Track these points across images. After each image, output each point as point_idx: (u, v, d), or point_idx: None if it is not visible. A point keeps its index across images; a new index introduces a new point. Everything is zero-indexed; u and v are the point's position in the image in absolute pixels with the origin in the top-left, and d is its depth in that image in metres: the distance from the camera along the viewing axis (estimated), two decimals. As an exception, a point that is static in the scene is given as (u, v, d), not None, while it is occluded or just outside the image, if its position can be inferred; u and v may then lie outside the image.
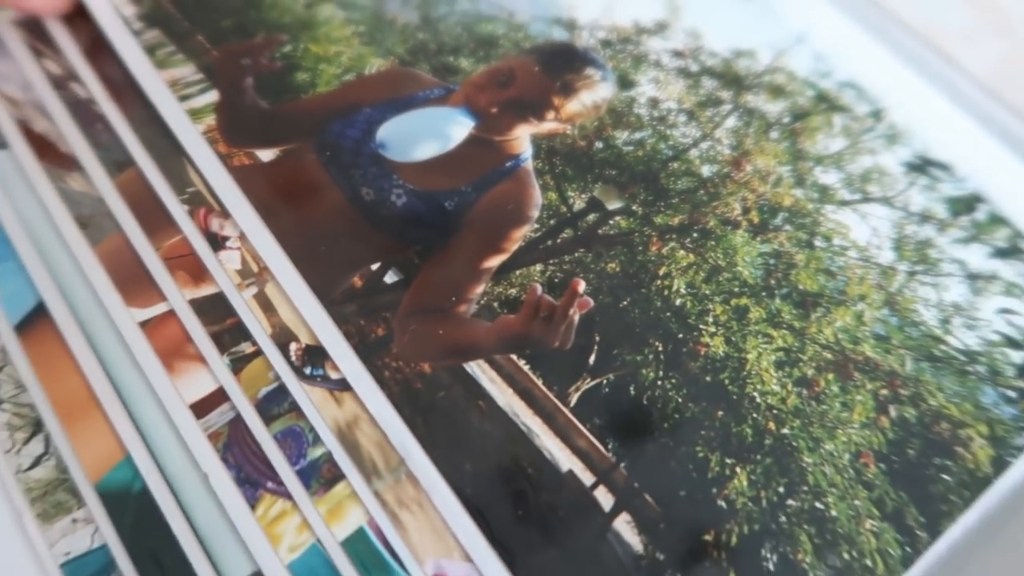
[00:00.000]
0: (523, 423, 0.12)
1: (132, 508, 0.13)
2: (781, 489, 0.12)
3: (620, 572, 0.11)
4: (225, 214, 0.14)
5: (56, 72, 0.16)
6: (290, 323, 0.13)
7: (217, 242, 0.14)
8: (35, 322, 0.14)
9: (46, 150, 0.16)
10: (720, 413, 0.12)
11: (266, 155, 0.15)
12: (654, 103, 0.15)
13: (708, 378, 0.12)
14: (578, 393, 0.12)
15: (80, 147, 0.15)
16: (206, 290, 0.14)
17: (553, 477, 0.12)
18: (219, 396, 0.13)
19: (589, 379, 0.12)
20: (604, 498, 0.12)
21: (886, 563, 0.11)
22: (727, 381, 0.12)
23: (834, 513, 0.11)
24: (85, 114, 0.16)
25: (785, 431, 0.12)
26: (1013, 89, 0.15)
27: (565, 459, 0.12)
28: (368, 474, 0.12)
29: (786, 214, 0.14)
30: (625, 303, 0.13)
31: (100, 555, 0.13)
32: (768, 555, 0.11)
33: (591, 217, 0.14)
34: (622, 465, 0.12)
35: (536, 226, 0.13)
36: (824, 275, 0.13)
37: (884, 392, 0.12)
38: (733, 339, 0.13)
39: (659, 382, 0.12)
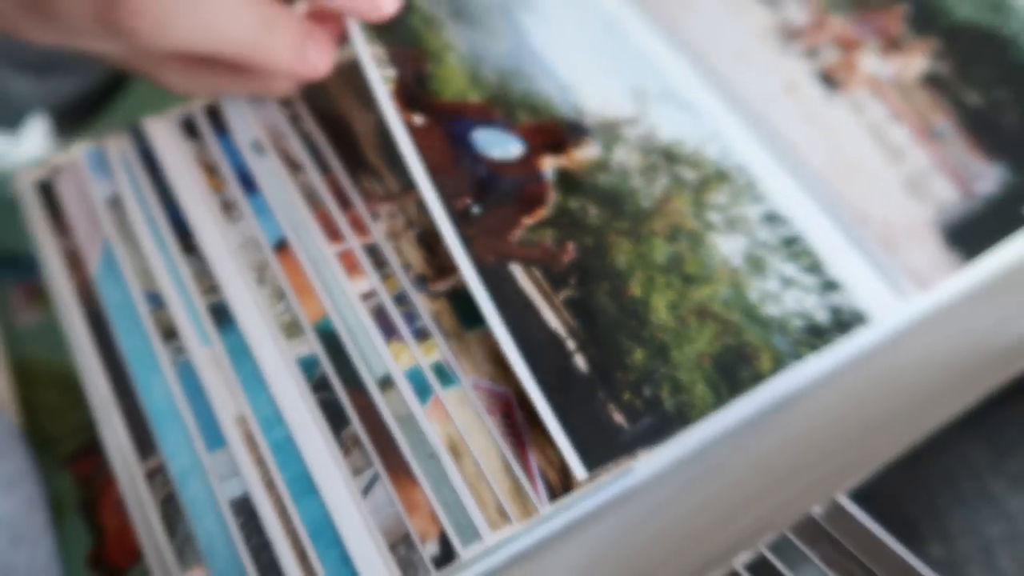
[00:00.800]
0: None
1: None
2: (661, 368, 0.22)
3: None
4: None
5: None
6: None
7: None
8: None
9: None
10: (634, 323, 0.23)
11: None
12: (621, 163, 0.26)
13: (631, 309, 0.23)
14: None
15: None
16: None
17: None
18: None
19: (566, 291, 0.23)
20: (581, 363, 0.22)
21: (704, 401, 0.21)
22: (640, 311, 0.23)
23: (681, 376, 0.22)
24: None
25: (666, 339, 0.22)
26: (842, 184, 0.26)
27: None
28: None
29: (686, 233, 0.25)
30: (594, 260, 0.23)
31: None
32: (645, 394, 0.21)
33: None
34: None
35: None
36: (700, 267, 0.24)
37: (720, 329, 0.23)
38: (645, 290, 0.23)
39: (607, 307, 0.23)
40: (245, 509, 0.20)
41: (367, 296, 0.23)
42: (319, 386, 0.22)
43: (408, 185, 0.25)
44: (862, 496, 0.19)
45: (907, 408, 0.22)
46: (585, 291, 0.23)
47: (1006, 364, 0.22)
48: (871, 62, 0.29)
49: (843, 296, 0.24)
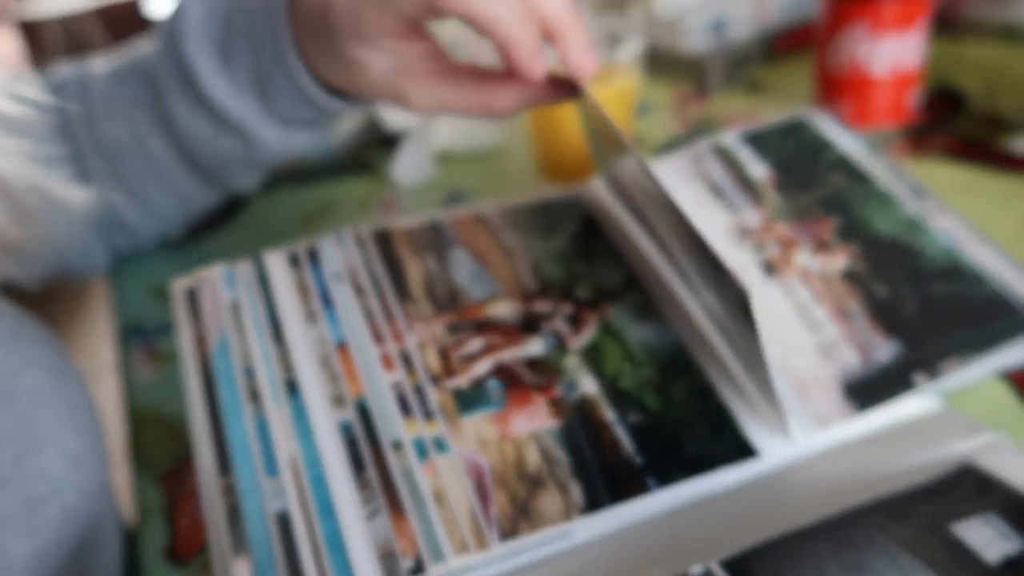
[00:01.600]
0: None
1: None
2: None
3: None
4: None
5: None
6: (424, 356, 0.33)
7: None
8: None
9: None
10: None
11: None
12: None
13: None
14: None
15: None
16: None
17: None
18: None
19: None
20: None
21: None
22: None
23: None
24: (360, 261, 0.37)
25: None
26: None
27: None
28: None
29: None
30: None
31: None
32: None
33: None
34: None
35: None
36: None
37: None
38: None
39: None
40: (284, 520, 0.29)
41: (395, 385, 0.32)
42: (350, 442, 0.31)
43: (437, 311, 0.35)
44: (728, 564, 0.26)
45: (788, 510, 0.29)
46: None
47: (865, 489, 0.29)
48: (804, 257, 0.38)
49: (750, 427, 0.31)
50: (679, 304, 0.36)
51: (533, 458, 0.30)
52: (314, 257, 0.37)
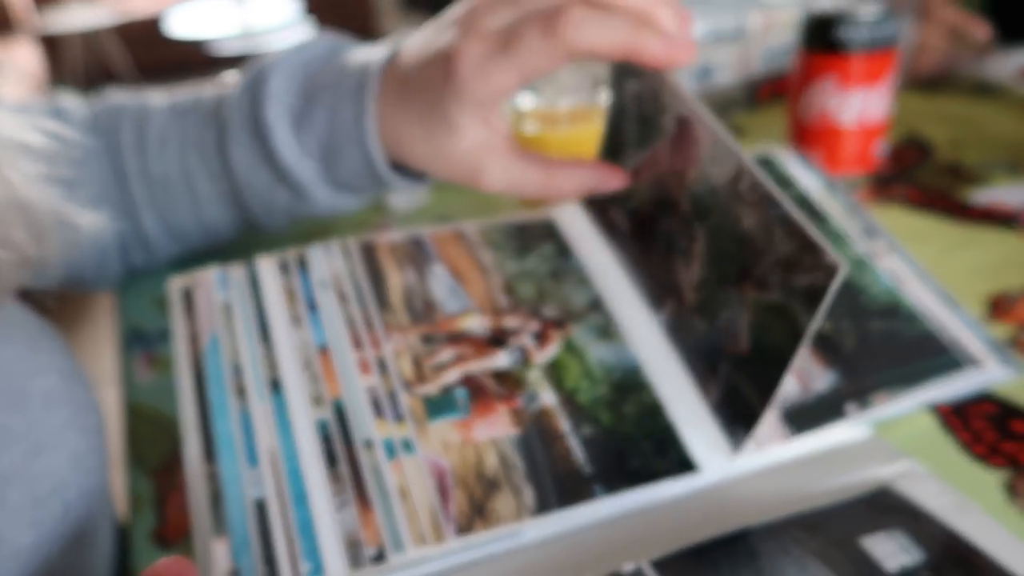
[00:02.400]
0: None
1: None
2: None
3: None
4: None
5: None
6: (399, 363, 0.36)
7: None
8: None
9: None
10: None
11: (410, 305, 0.38)
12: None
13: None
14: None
15: (339, 282, 0.40)
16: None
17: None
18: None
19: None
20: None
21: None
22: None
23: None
24: (345, 271, 0.40)
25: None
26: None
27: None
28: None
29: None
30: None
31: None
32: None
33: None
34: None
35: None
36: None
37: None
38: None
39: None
40: (261, 506, 0.31)
41: (370, 389, 0.35)
42: (326, 439, 0.33)
43: (413, 321, 0.38)
44: (658, 565, 0.29)
45: (719, 522, 0.32)
46: (511, 406, 0.34)
47: (791, 505, 0.32)
48: (756, 290, 0.41)
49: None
50: (639, 326, 0.39)
51: (491, 462, 0.33)
52: (303, 264, 0.40)
